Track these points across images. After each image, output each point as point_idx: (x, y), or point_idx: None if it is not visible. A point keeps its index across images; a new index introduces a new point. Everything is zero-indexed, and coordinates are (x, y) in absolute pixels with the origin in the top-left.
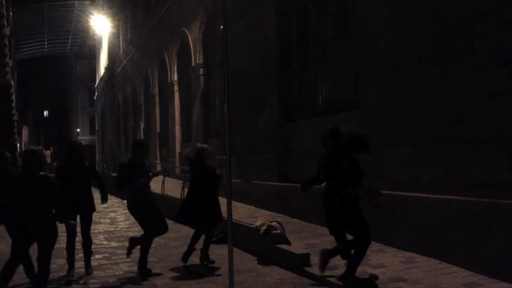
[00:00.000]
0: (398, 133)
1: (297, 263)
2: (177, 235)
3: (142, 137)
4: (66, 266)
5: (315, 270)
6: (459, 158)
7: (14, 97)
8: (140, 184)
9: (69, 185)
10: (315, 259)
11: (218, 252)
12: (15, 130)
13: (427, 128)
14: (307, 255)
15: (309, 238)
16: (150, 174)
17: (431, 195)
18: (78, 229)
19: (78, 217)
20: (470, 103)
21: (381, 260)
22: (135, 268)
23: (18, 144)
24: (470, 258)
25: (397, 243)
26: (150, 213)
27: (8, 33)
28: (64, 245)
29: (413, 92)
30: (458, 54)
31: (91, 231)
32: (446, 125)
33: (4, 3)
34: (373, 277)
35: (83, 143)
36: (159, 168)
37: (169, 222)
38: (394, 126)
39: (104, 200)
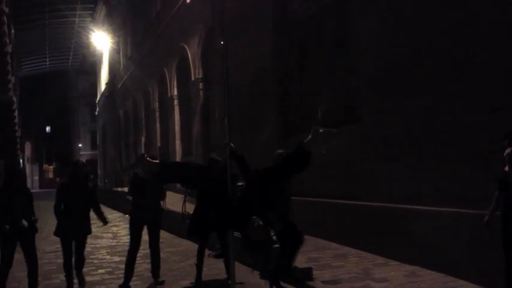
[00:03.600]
0: (399, 146)
1: (300, 277)
2: (178, 249)
3: (143, 152)
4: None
5: (318, 284)
6: (460, 171)
7: (16, 113)
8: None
9: (70, 203)
10: (317, 273)
11: (220, 267)
12: (18, 146)
13: (429, 142)
14: (310, 269)
15: (310, 252)
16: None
17: (433, 208)
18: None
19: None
20: (470, 118)
21: (385, 273)
22: (138, 283)
23: (21, 160)
24: (474, 271)
25: (400, 256)
26: (149, 229)
27: (10, 51)
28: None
29: (413, 106)
30: (457, 69)
31: (93, 245)
32: (447, 139)
33: (6, 21)
34: None
35: (85, 160)
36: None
37: (169, 236)
38: (395, 139)
39: (104, 222)
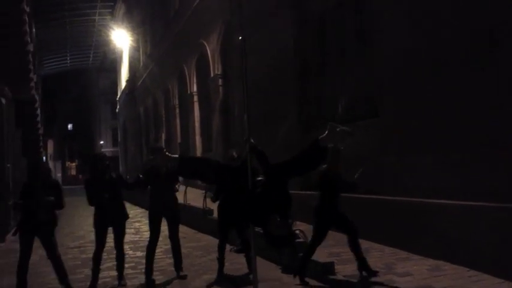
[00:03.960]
0: (419, 140)
1: (321, 272)
2: (199, 244)
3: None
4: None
5: (339, 278)
6: (483, 164)
7: (38, 111)
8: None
9: (98, 196)
10: (339, 268)
11: (242, 261)
12: (41, 144)
13: (449, 135)
14: (331, 263)
15: (332, 246)
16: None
17: (456, 202)
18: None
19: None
20: (492, 110)
21: (407, 268)
22: (160, 277)
23: (44, 158)
24: (498, 265)
25: (423, 251)
26: (168, 221)
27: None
28: (91, 255)
29: (433, 99)
30: (479, 61)
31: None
32: (468, 132)
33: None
34: None
35: (107, 154)
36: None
37: (191, 231)
38: (415, 133)
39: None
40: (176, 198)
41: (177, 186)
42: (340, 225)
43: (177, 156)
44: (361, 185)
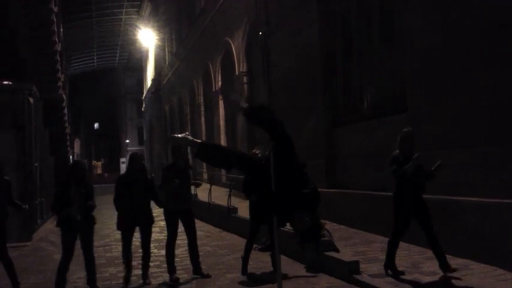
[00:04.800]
0: (449, 135)
1: (346, 271)
2: (224, 243)
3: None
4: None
5: (365, 277)
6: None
7: (66, 110)
8: (175, 185)
9: (128, 195)
10: (364, 266)
11: (266, 260)
12: (68, 142)
13: (479, 130)
14: (357, 262)
15: (357, 245)
16: (192, 181)
17: (485, 199)
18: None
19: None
20: None
21: (435, 267)
22: (185, 276)
23: (70, 156)
24: None
25: (451, 249)
26: (182, 219)
27: (59, 49)
28: (116, 254)
29: (462, 93)
30: (508, 56)
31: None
32: (499, 127)
33: (55, 20)
34: None
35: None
36: (205, 176)
37: (215, 230)
38: (444, 128)
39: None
40: (191, 195)
41: (197, 180)
42: (417, 216)
43: (199, 140)
44: (437, 176)
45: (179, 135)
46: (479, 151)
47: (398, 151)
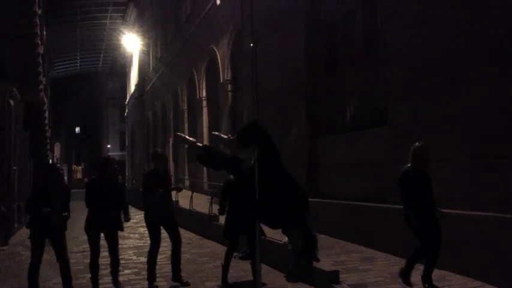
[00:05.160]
0: (430, 149)
1: (326, 280)
2: (204, 251)
3: (171, 153)
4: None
5: (344, 287)
6: (492, 174)
7: (47, 114)
8: (158, 194)
9: (98, 199)
10: (344, 276)
11: (247, 268)
12: (48, 146)
13: (460, 144)
14: (336, 272)
15: (338, 255)
16: (173, 187)
17: (464, 212)
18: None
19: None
20: (503, 119)
21: (413, 278)
22: (164, 283)
23: (50, 160)
24: (504, 276)
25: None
26: (165, 227)
27: (41, 52)
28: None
29: (443, 108)
30: (491, 70)
31: (120, 246)
32: (478, 142)
33: (38, 22)
34: None
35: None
36: (187, 183)
37: (196, 237)
38: (425, 141)
39: (126, 218)
40: (172, 202)
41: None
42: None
43: (201, 144)
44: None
45: (187, 137)
46: (459, 165)
47: (410, 165)
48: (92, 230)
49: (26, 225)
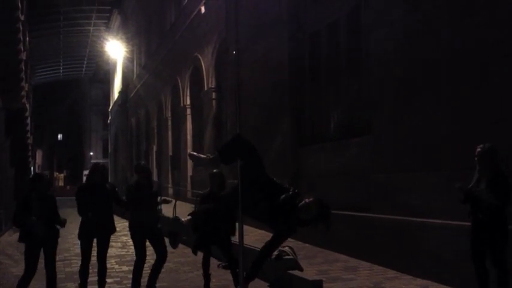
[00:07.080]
0: (411, 158)
1: None
2: (187, 260)
3: (154, 160)
4: None
5: None
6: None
7: (28, 120)
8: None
9: (90, 206)
10: (327, 286)
11: (229, 278)
12: (30, 153)
13: (442, 154)
14: (320, 281)
15: (321, 264)
16: (161, 198)
17: (445, 221)
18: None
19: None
20: (482, 128)
21: (396, 287)
22: None
23: (32, 167)
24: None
25: (412, 270)
26: (150, 239)
27: (24, 58)
28: (75, 269)
29: (425, 118)
30: (469, 80)
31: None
32: (461, 151)
33: (21, 28)
34: None
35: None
36: (170, 191)
37: (179, 246)
38: (407, 151)
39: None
40: (158, 214)
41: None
42: None
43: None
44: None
45: (200, 156)
46: (441, 175)
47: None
48: (85, 237)
49: (18, 239)
